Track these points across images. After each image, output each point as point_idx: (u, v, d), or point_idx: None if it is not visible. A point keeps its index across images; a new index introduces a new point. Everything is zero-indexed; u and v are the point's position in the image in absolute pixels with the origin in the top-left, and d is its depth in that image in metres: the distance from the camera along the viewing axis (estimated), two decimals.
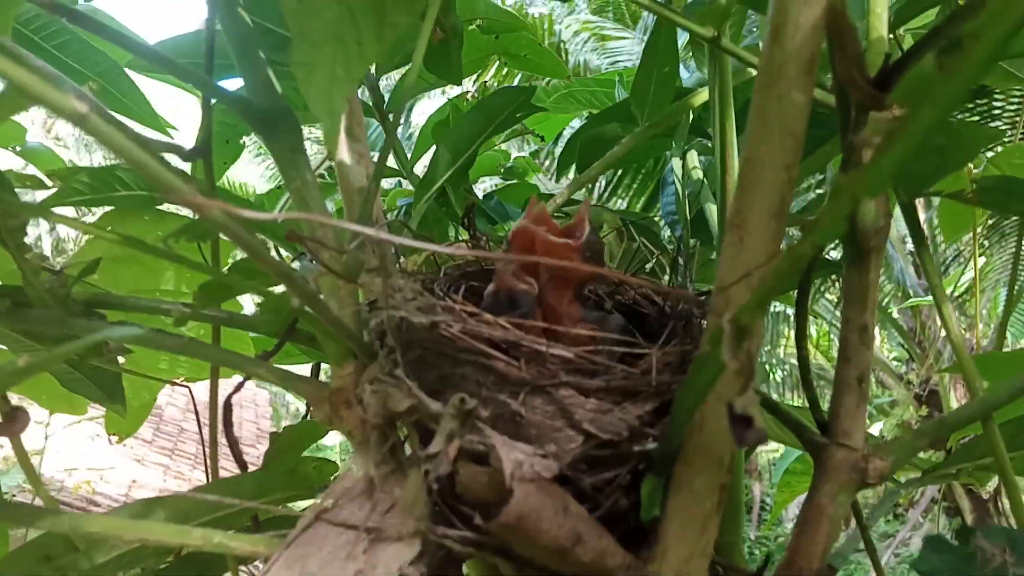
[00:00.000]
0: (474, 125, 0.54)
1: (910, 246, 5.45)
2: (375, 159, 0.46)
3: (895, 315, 5.68)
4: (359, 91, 0.74)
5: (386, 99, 0.72)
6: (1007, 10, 0.16)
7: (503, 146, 1.13)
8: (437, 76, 0.58)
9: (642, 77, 0.53)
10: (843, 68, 0.32)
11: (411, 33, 0.60)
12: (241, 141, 0.80)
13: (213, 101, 0.44)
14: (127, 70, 0.72)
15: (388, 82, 0.83)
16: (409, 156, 0.76)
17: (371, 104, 0.70)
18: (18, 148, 0.84)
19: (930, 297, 1.76)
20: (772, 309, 6.18)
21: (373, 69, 0.69)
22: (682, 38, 0.64)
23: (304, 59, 0.36)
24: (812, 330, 6.52)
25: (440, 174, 0.53)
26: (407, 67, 0.71)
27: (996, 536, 0.37)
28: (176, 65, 0.40)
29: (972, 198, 0.44)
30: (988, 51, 0.17)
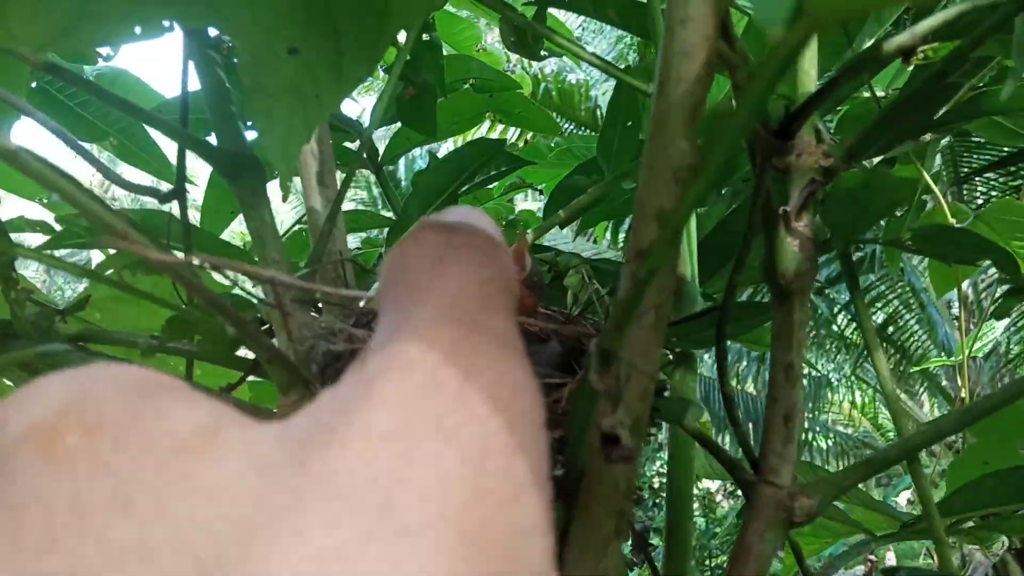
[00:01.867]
0: (446, 174, 0.58)
1: (955, 310, 5.35)
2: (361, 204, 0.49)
3: (944, 382, 5.54)
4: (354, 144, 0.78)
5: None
6: (775, 56, 0.18)
7: (518, 198, 1.15)
8: (414, 130, 0.62)
9: (607, 132, 0.56)
10: None
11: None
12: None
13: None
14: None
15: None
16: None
17: (365, 156, 0.74)
18: (44, 200, 0.90)
19: (954, 358, 1.73)
20: (813, 373, 6.08)
21: (366, 123, 0.73)
22: None
23: (261, 109, 0.40)
24: (857, 397, 6.38)
25: (411, 221, 0.56)
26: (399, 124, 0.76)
27: None
28: (154, 118, 0.44)
29: (910, 246, 0.45)
30: (761, 90, 0.19)
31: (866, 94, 0.64)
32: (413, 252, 0.17)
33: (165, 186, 0.47)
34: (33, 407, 0.13)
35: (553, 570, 0.13)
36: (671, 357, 0.53)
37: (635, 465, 0.33)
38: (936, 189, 0.71)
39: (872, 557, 4.21)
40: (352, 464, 0.12)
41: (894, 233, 0.45)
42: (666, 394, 0.41)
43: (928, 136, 0.64)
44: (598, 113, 4.96)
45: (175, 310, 0.44)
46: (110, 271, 0.65)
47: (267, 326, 0.44)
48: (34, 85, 0.75)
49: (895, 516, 0.65)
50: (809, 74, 0.45)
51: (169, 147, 0.80)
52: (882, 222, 0.52)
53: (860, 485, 0.50)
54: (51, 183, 0.27)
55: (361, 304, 0.42)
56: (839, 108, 0.65)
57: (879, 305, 5.16)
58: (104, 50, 0.82)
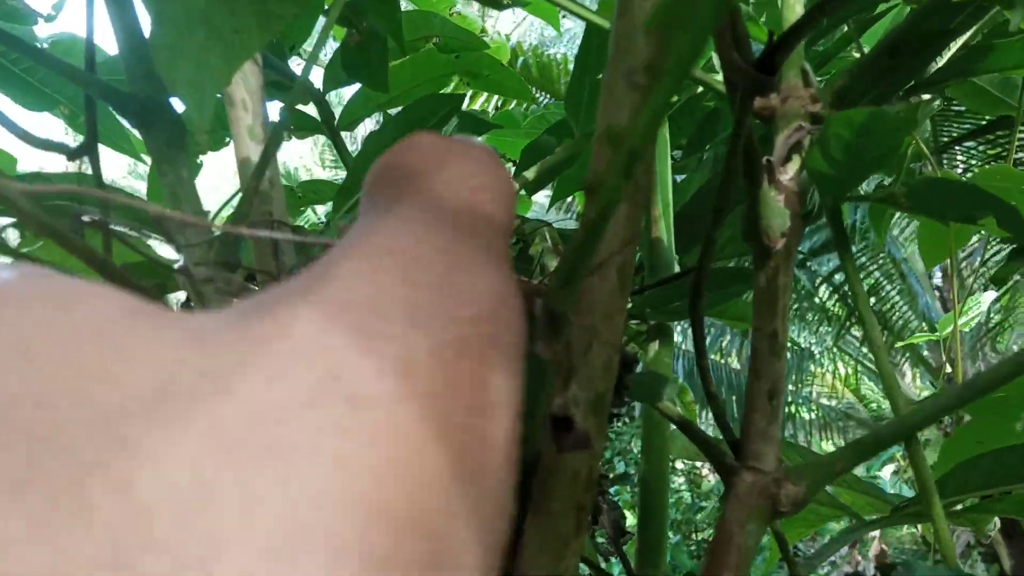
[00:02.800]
0: (398, 132, 0.52)
1: (936, 279, 5.39)
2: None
3: (925, 352, 5.56)
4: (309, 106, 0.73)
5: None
6: None
7: None
8: (360, 82, 0.57)
9: (575, 85, 0.51)
10: (722, 50, 0.30)
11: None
12: (199, 160, 0.79)
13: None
14: None
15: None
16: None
17: (320, 119, 0.68)
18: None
19: (939, 333, 1.70)
20: (798, 347, 6.08)
21: (320, 84, 0.67)
22: None
23: (168, 42, 0.34)
24: (840, 367, 6.39)
25: (359, 182, 0.51)
26: (359, 85, 0.70)
27: (916, 570, 0.34)
28: (52, 60, 0.38)
29: (904, 203, 0.41)
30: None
31: (856, 54, 0.60)
32: (407, 154, 0.15)
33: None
34: None
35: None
36: (645, 329, 0.48)
37: (597, 451, 0.28)
38: (928, 153, 0.67)
39: (858, 558, 4.18)
40: (303, 329, 0.10)
41: (886, 191, 0.40)
42: (638, 368, 0.36)
43: (920, 98, 0.60)
44: None
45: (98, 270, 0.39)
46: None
47: (187, 299, 0.40)
48: None
49: (885, 499, 0.61)
50: (795, 9, 0.40)
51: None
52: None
53: None
54: None
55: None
56: (828, 72, 0.61)
57: (860, 276, 5.15)
58: (45, 11, 0.76)
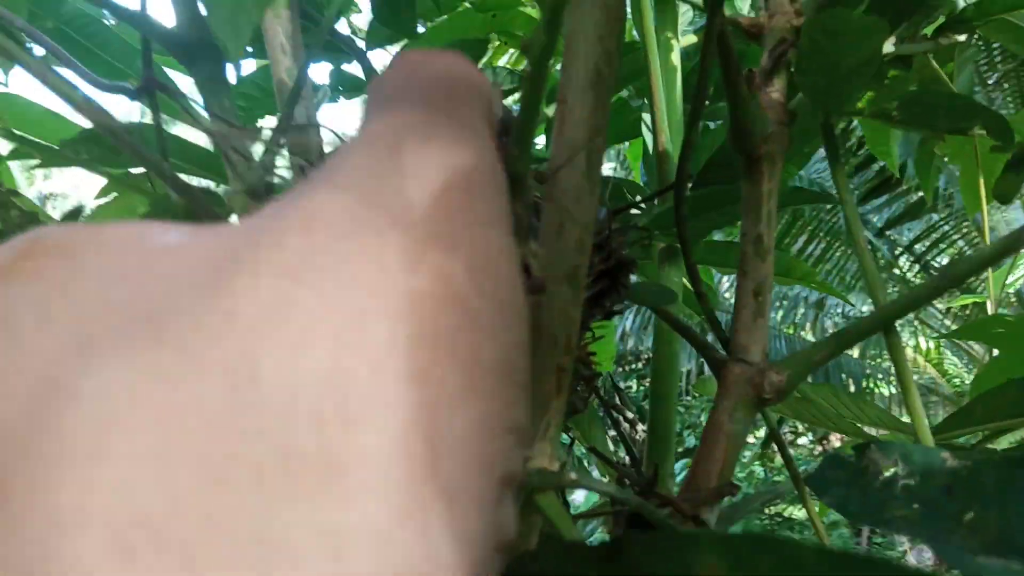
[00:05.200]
0: None
1: None
2: None
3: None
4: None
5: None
6: None
7: None
8: (391, 29, 0.61)
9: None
10: None
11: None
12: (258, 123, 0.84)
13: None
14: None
15: None
16: None
17: (365, 78, 0.73)
18: None
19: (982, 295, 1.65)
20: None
21: (363, 44, 0.72)
22: None
23: None
24: (922, 341, 6.17)
25: None
26: (404, 42, 0.75)
27: (890, 450, 0.36)
28: (110, 4, 0.44)
29: (896, 117, 0.42)
30: None
31: None
32: (391, 72, 0.19)
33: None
34: None
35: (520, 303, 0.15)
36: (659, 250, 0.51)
37: (575, 319, 0.32)
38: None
39: None
40: (323, 198, 0.13)
41: (879, 104, 0.42)
42: (634, 270, 0.39)
43: (951, 38, 0.60)
44: None
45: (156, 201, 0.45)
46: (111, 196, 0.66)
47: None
48: (51, 27, 0.76)
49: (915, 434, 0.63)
50: None
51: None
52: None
53: None
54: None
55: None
56: None
57: (943, 246, 4.96)
58: None
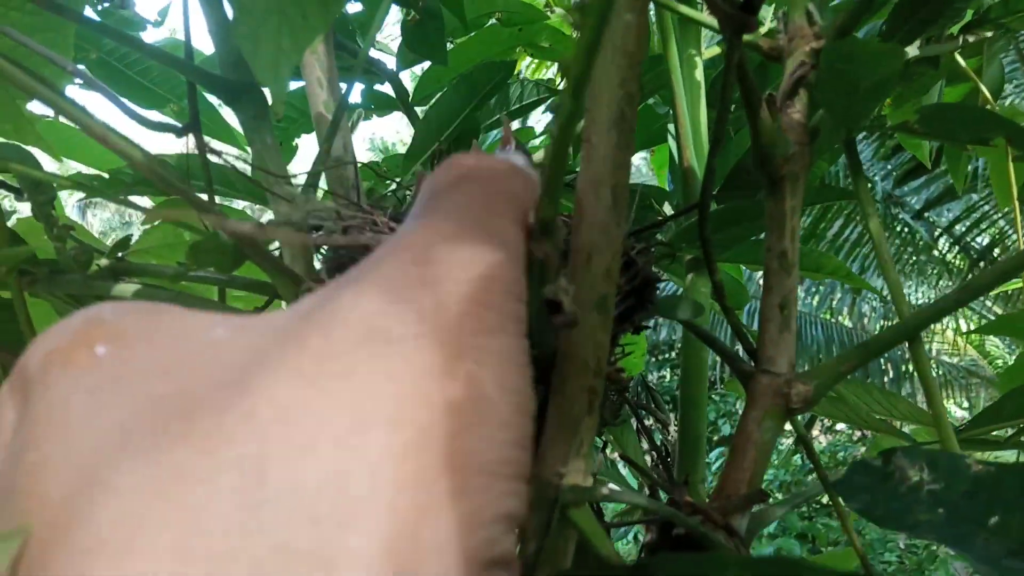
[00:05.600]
0: (458, 98, 0.58)
1: None
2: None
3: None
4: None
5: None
6: None
7: None
8: (422, 56, 0.63)
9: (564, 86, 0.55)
10: None
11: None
12: (295, 144, 0.87)
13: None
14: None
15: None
16: None
17: (395, 96, 0.75)
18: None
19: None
20: (915, 301, 5.77)
21: (394, 65, 0.74)
22: None
23: (248, 32, 0.41)
24: (963, 324, 6.03)
25: (425, 146, 0.57)
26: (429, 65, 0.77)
27: (915, 456, 0.37)
28: (156, 51, 0.46)
29: (917, 129, 0.43)
30: None
31: None
32: (439, 173, 0.20)
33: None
34: (48, 341, 0.16)
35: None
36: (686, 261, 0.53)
37: (605, 344, 0.34)
38: (991, 99, 0.67)
39: None
40: (347, 303, 0.15)
41: (901, 117, 0.43)
42: (658, 286, 0.41)
43: (985, 33, 0.60)
44: None
45: (200, 235, 0.47)
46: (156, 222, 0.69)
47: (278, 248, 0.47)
48: (94, 57, 0.79)
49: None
50: None
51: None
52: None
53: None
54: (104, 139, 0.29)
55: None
56: None
57: (984, 226, 4.86)
58: (152, 16, 0.86)
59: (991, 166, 0.81)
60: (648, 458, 0.51)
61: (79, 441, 0.13)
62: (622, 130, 0.32)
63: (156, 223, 0.72)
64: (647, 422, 0.48)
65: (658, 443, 0.49)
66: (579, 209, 0.32)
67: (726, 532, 0.38)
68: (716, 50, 0.59)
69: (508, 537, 0.15)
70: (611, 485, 0.37)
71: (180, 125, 0.49)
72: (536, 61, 1.01)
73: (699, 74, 0.53)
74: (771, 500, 0.43)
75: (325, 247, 0.42)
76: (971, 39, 0.56)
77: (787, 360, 0.40)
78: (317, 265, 0.45)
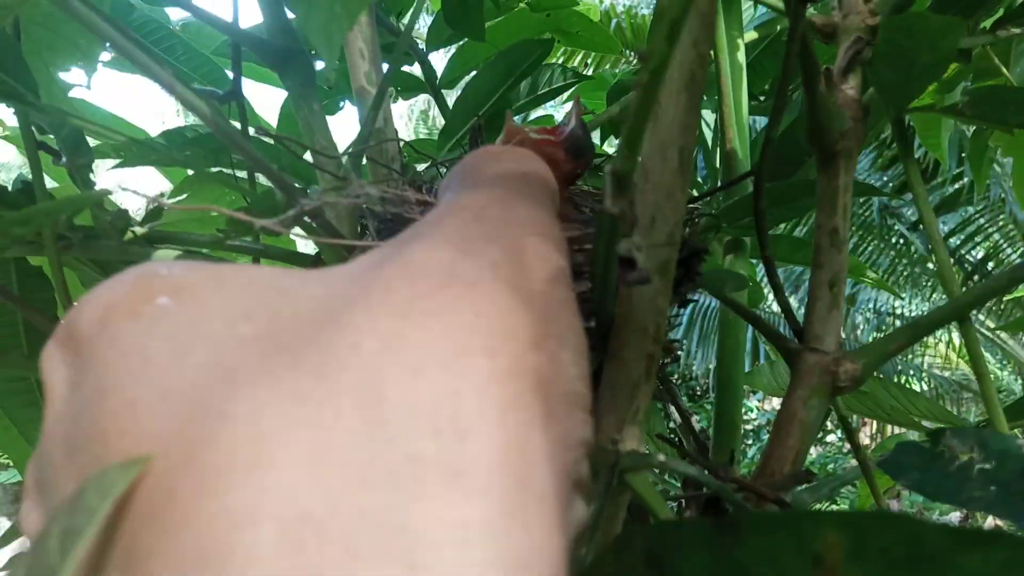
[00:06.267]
0: (493, 77, 0.58)
1: None
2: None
3: None
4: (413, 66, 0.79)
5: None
6: None
7: None
8: (460, 33, 0.62)
9: (657, 24, 0.55)
10: None
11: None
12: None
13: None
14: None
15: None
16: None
17: (424, 79, 0.75)
18: None
19: None
20: (908, 313, 5.81)
21: (423, 44, 0.74)
22: None
23: None
24: (955, 337, 6.02)
25: (461, 124, 0.57)
26: (459, 43, 0.77)
27: (966, 436, 0.37)
28: (204, 14, 0.46)
29: (965, 111, 0.43)
30: None
31: None
32: (471, 156, 0.22)
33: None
34: (102, 297, 0.15)
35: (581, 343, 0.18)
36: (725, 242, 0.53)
37: (664, 310, 0.33)
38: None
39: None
40: (421, 254, 0.15)
41: (944, 102, 0.43)
42: (706, 257, 0.41)
43: (1013, 30, 0.60)
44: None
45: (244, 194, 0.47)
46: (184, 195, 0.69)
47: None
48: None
49: (965, 425, 0.63)
50: None
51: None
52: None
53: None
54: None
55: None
56: None
57: (979, 239, 4.88)
58: None
59: (1015, 167, 0.81)
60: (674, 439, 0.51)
61: (173, 379, 0.13)
62: (692, 92, 0.31)
63: (183, 196, 0.71)
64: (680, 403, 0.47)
65: (688, 420, 0.49)
66: (645, 171, 0.32)
67: (778, 507, 0.38)
68: (754, 35, 0.59)
69: (585, 463, 0.17)
70: (663, 455, 0.36)
71: (221, 92, 0.48)
72: (568, 50, 1.01)
73: (741, 56, 0.53)
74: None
75: (369, 217, 0.42)
76: (1002, 34, 0.56)
77: (835, 338, 0.40)
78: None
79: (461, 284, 0.15)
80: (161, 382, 0.13)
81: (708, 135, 0.65)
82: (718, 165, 0.56)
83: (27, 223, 0.32)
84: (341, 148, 0.49)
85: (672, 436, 0.54)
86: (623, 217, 0.28)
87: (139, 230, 0.53)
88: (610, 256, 0.30)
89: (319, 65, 0.56)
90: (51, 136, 0.49)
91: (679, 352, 0.38)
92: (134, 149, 0.64)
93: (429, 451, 0.13)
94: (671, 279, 0.33)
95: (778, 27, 0.64)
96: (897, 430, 0.78)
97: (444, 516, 0.12)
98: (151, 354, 0.14)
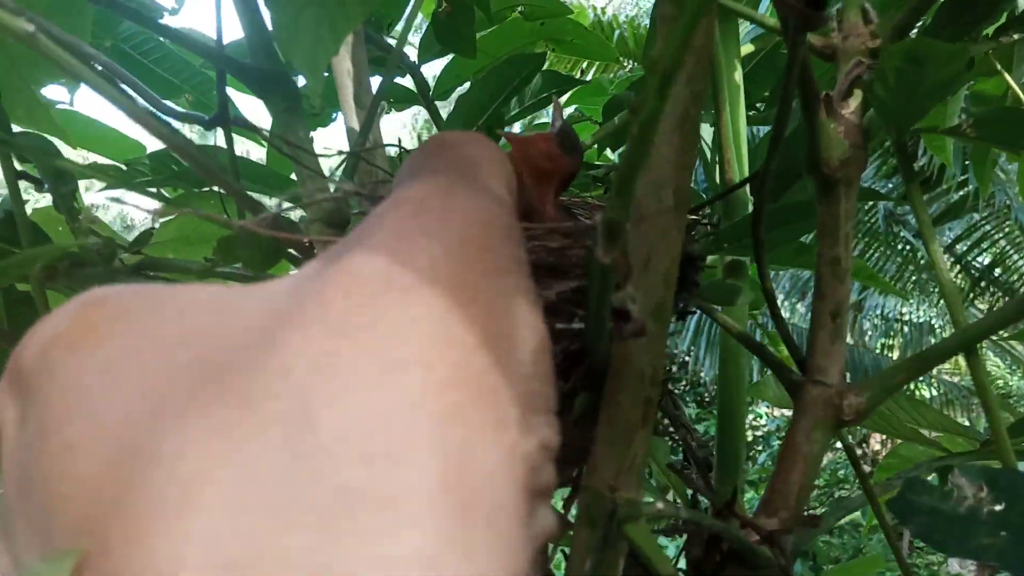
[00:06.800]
0: (487, 92, 0.57)
1: None
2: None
3: None
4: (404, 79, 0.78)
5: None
6: None
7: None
8: (451, 50, 0.61)
9: (650, 39, 0.54)
10: None
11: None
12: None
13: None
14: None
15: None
16: None
17: (416, 91, 0.73)
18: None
19: None
20: (916, 319, 5.80)
21: (414, 57, 0.73)
22: None
23: (286, 22, 0.40)
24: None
25: None
26: (450, 57, 0.75)
27: (974, 474, 0.36)
28: (184, 38, 0.45)
29: (969, 133, 0.42)
30: None
31: None
32: (421, 146, 0.21)
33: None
34: (44, 330, 0.15)
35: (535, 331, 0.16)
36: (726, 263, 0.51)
37: (662, 353, 0.32)
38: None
39: None
40: (358, 260, 0.15)
41: (930, 121, 0.42)
42: (702, 265, 0.40)
43: (1011, 37, 0.59)
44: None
45: (228, 229, 0.46)
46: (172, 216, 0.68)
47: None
48: (109, 45, 0.78)
49: (975, 436, 0.62)
50: None
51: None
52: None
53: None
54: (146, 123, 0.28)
55: None
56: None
57: (985, 245, 4.87)
58: (169, 3, 0.84)
59: (1020, 173, 0.80)
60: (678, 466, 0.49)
61: (106, 417, 0.13)
62: (686, 131, 0.30)
63: (171, 217, 0.70)
64: (681, 433, 0.46)
65: (694, 451, 0.48)
66: (638, 211, 0.31)
67: (779, 549, 0.37)
68: (749, 47, 0.58)
69: (547, 467, 0.15)
70: (660, 502, 0.35)
71: (207, 117, 0.47)
72: (559, 56, 1.00)
73: (738, 76, 0.52)
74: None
75: None
76: (1004, 40, 0.55)
77: (838, 370, 0.39)
78: None
79: (397, 290, 0.14)
80: (96, 418, 0.13)
81: (707, 151, 0.64)
82: (718, 180, 0.55)
83: (4, 275, 0.31)
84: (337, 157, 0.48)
85: (680, 459, 0.52)
86: (616, 267, 0.27)
87: (126, 256, 0.52)
88: (603, 301, 0.29)
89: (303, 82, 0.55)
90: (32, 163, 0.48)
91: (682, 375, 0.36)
92: (119, 174, 0.63)
93: (360, 481, 0.12)
94: (667, 321, 0.32)
95: (776, 38, 0.62)
96: None
97: (372, 553, 0.11)
98: (90, 387, 0.14)
